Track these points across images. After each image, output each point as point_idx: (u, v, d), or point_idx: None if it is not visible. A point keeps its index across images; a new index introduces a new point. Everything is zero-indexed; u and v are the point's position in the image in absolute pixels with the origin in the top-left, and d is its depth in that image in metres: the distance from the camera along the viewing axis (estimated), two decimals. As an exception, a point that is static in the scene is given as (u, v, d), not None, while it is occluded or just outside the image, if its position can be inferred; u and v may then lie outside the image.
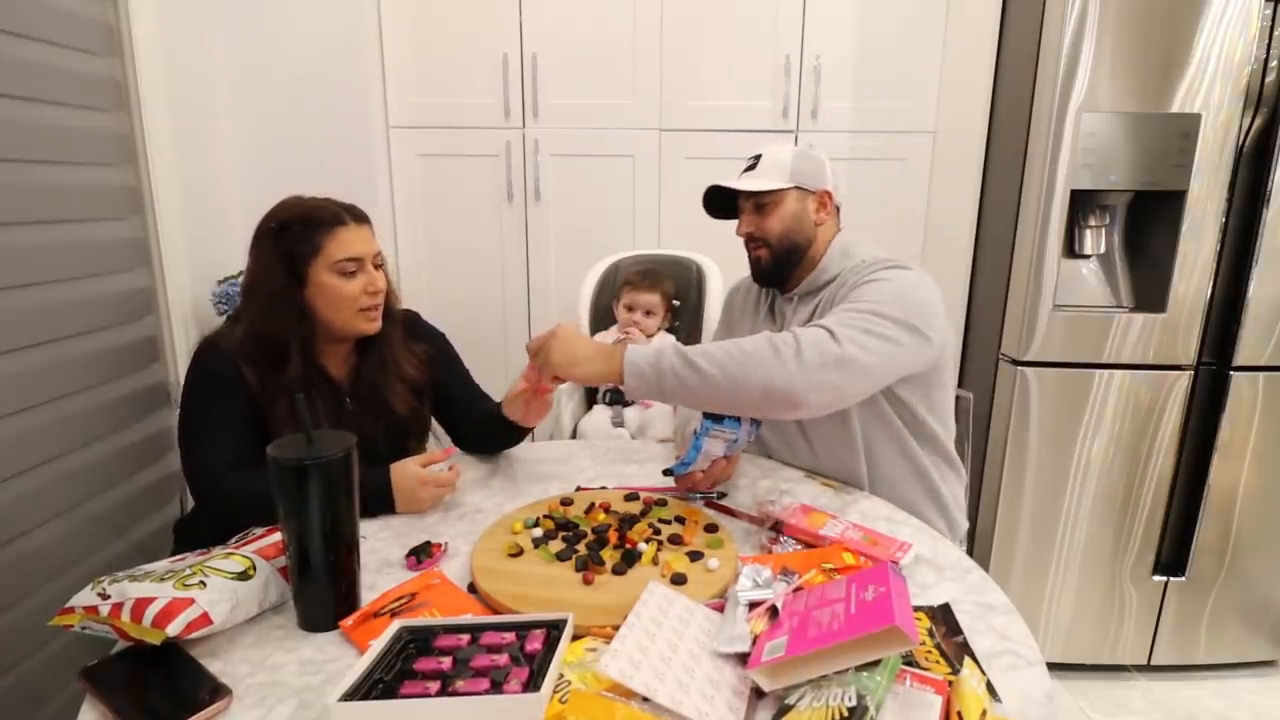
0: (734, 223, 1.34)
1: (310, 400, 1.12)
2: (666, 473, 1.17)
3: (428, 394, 1.34)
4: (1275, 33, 1.63)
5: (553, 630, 0.75)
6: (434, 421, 1.39)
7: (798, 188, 1.27)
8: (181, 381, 1.18)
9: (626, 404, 1.83)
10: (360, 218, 1.21)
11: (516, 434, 1.31)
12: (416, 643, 0.75)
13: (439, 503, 1.15)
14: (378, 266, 1.22)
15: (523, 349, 2.27)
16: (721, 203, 1.33)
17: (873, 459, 1.23)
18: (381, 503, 1.11)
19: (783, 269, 1.30)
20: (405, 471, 1.12)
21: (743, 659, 0.74)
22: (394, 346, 1.28)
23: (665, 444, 1.44)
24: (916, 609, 0.82)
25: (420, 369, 1.31)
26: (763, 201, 1.28)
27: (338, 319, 1.19)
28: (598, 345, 1.10)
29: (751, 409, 1.06)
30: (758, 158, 1.30)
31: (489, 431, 1.33)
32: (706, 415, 1.09)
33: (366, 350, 1.27)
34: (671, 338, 1.88)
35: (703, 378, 1.02)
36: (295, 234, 1.16)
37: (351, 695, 0.65)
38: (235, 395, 1.13)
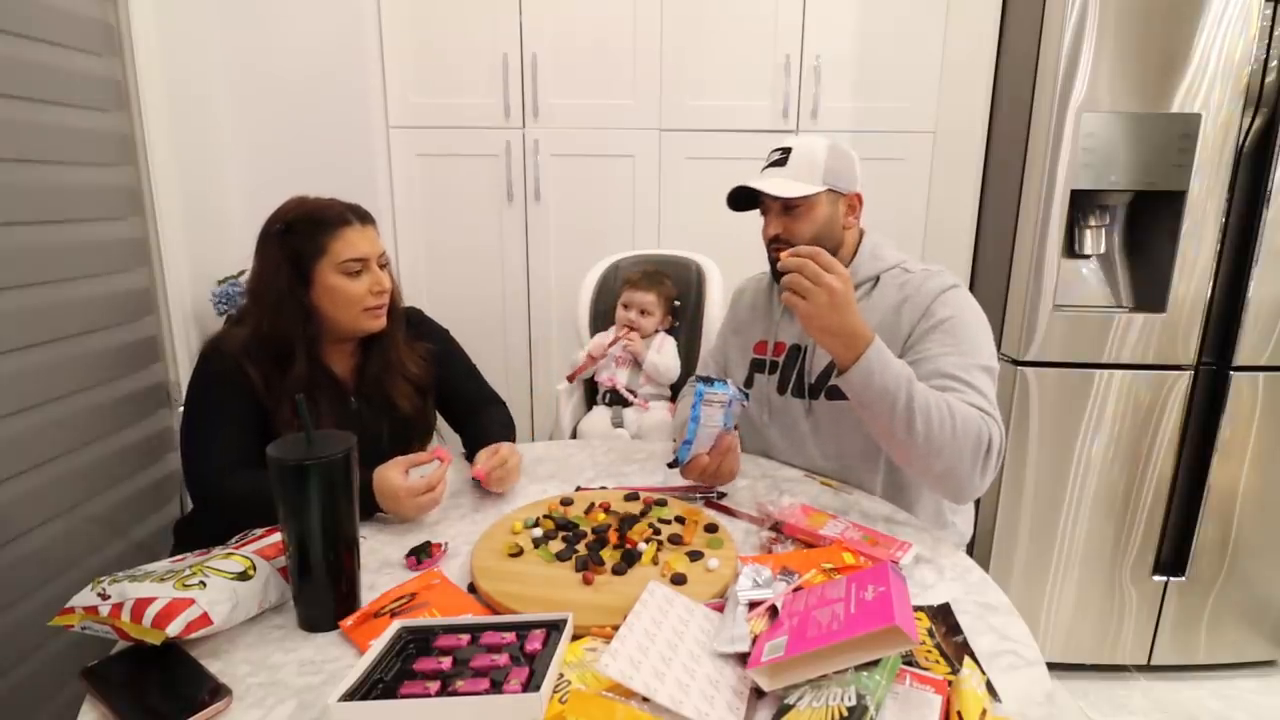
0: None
1: (314, 400, 1.12)
2: (672, 465, 1.14)
3: (431, 392, 1.34)
4: (1275, 33, 1.63)
5: (553, 630, 0.75)
6: (439, 418, 1.39)
7: (830, 190, 1.21)
8: (181, 382, 1.18)
9: (626, 404, 1.83)
10: (365, 218, 1.21)
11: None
12: (416, 643, 0.75)
13: (429, 512, 1.11)
14: (382, 266, 1.22)
15: (523, 348, 2.29)
16: (742, 195, 1.25)
17: (891, 469, 1.22)
18: (368, 504, 1.07)
19: None
20: (387, 482, 1.07)
21: (743, 659, 0.73)
22: (398, 345, 1.28)
23: (666, 445, 1.44)
24: (916, 609, 0.82)
25: (424, 367, 1.31)
26: (793, 204, 1.21)
27: (343, 319, 1.19)
28: (858, 323, 1.02)
29: (922, 472, 1.08)
30: (788, 150, 1.22)
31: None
32: (699, 379, 1.08)
33: (370, 349, 1.27)
34: (671, 340, 1.88)
35: (909, 427, 1.01)
36: (301, 235, 1.16)
37: (351, 695, 0.65)
38: (239, 397, 1.13)
